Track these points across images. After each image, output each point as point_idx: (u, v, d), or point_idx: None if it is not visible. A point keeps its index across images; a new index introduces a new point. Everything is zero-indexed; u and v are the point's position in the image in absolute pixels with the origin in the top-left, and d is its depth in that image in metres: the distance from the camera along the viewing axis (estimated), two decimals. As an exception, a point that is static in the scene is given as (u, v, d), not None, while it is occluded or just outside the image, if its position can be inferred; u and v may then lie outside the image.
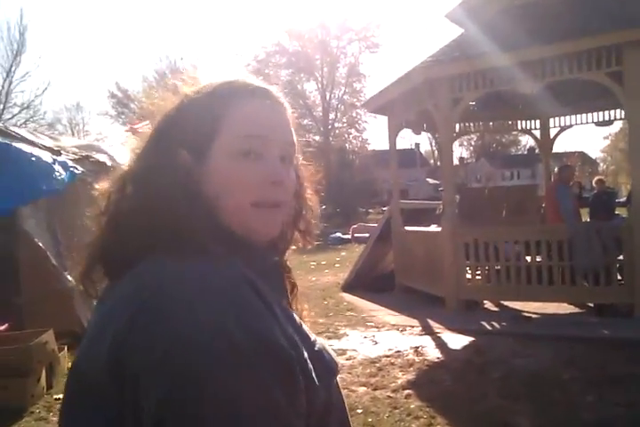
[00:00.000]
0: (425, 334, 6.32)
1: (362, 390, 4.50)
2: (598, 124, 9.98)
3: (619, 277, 6.50)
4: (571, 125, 10.60)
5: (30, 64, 32.81)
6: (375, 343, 5.98)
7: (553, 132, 11.00)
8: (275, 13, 55.62)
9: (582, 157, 47.34)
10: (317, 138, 40.82)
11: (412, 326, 6.73)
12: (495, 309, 7.45)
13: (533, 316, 6.90)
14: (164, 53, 70.91)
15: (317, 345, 0.81)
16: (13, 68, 30.78)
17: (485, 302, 7.65)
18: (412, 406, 4.03)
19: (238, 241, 0.81)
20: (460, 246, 7.24)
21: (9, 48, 30.94)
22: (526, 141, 66.25)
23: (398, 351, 5.58)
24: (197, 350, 0.66)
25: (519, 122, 10.97)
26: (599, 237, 6.38)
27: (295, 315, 0.84)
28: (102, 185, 0.88)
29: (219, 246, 0.77)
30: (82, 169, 6.71)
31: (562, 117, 10.62)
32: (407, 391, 4.37)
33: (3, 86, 30.56)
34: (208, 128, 0.82)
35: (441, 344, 5.85)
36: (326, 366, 0.80)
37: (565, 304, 7.05)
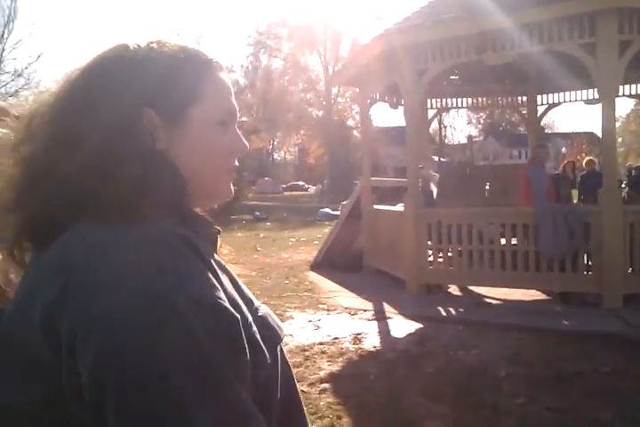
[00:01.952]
0: (374, 320, 5.96)
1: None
2: (588, 102, 9.45)
3: (587, 265, 6.10)
4: (559, 103, 10.09)
5: (23, 32, 32.26)
6: (317, 328, 5.62)
7: (541, 110, 10.52)
8: None
9: (590, 137, 46.24)
10: (320, 113, 40.16)
11: (365, 310, 6.37)
12: (459, 293, 7.07)
13: (495, 302, 6.52)
14: (163, 22, 69.31)
15: (261, 311, 0.79)
16: (5, 36, 30.17)
17: (451, 286, 7.27)
18: (321, 404, 3.67)
19: (186, 208, 0.79)
20: (422, 228, 6.83)
21: (0, 15, 30.27)
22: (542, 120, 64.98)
23: (336, 338, 5.22)
24: (135, 315, 0.63)
25: (506, 98, 10.44)
26: (566, 222, 5.95)
27: (238, 279, 0.81)
28: (9, 140, 0.79)
29: (161, 211, 0.73)
30: None
31: (550, 94, 10.10)
32: (324, 385, 4.01)
33: (-6, 52, 29.98)
34: (186, 92, 0.79)
35: (385, 331, 5.49)
36: (270, 332, 0.78)
37: (534, 291, 6.66)
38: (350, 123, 39.28)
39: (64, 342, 0.64)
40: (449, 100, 10.31)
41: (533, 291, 6.68)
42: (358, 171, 33.16)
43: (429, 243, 6.89)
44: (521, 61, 8.56)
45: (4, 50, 30.21)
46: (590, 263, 6.05)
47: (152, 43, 0.81)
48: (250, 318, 0.73)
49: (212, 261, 0.74)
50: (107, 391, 0.61)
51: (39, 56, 31.90)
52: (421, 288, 6.89)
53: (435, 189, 9.36)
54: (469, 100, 10.39)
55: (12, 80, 30.30)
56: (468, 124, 67.70)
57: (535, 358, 4.59)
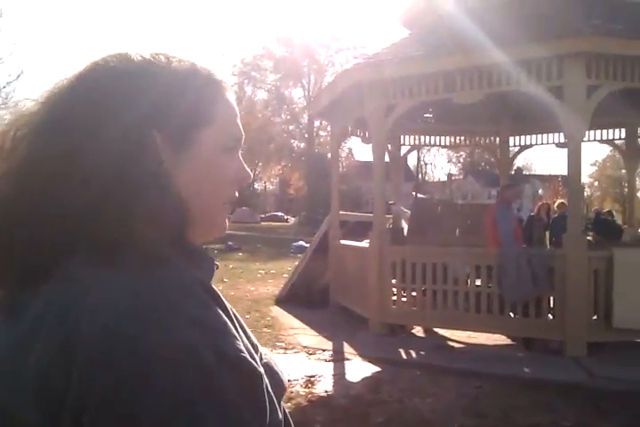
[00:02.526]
0: (332, 361, 5.73)
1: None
2: (558, 145, 9.49)
3: (551, 311, 5.95)
4: (530, 145, 10.15)
5: (4, 51, 31.80)
6: (269, 369, 5.37)
7: (515, 151, 10.55)
8: (264, 18, 54.57)
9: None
10: (301, 145, 40.34)
11: (324, 350, 6.14)
12: (422, 335, 6.87)
13: (458, 346, 6.33)
14: (149, 46, 69.56)
15: (265, 357, 0.72)
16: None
17: (416, 327, 7.07)
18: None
19: (189, 243, 0.71)
20: (386, 265, 6.67)
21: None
22: (514, 162, 65.94)
23: (287, 381, 4.97)
24: (167, 381, 0.56)
25: (480, 138, 10.47)
26: (530, 266, 5.82)
27: (244, 323, 0.72)
28: None
29: (173, 250, 0.64)
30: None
31: (522, 136, 10.16)
32: (264, 434, 3.76)
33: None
34: (196, 114, 0.71)
35: (341, 374, 5.27)
36: (277, 381, 0.71)
37: (498, 335, 6.48)
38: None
39: (67, 413, 0.57)
40: (423, 137, 10.31)
41: (498, 335, 6.51)
42: (340, 205, 33.26)
43: (393, 281, 6.72)
44: (493, 102, 8.63)
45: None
46: (554, 309, 5.91)
47: (158, 55, 0.73)
48: (261, 369, 0.65)
49: (226, 305, 0.67)
50: None
51: (19, 75, 31.53)
52: (384, 328, 6.69)
53: (406, 226, 9.24)
54: (443, 138, 10.39)
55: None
56: (449, 162, 68.49)
57: (491, 408, 4.39)
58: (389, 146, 10.24)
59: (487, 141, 10.52)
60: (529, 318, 5.90)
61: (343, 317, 7.67)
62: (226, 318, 0.64)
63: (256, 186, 58.54)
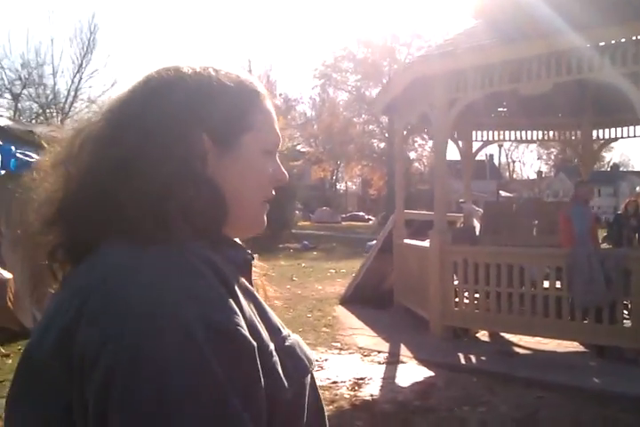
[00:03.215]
0: (385, 363, 5.52)
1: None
2: (645, 137, 8.78)
3: (625, 317, 5.46)
4: (615, 139, 9.43)
5: (100, 62, 33.23)
6: (319, 370, 5.21)
7: (597, 145, 9.87)
8: (345, 19, 54.12)
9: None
10: (382, 145, 39.94)
11: (380, 352, 5.93)
12: (486, 339, 6.50)
13: (524, 352, 5.94)
14: (232, 56, 70.74)
15: (289, 340, 0.77)
16: (83, 66, 31.70)
17: (481, 331, 6.71)
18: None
19: (224, 235, 0.80)
20: (447, 265, 6.37)
21: (80, 46, 31.87)
22: (610, 158, 62.47)
23: (334, 382, 4.81)
24: (148, 344, 0.63)
25: (559, 132, 9.85)
26: (602, 268, 5.36)
27: (267, 308, 0.80)
28: (50, 159, 0.82)
29: (203, 238, 0.74)
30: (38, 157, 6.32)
31: (606, 129, 9.45)
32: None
33: (72, 81, 31.51)
34: (240, 120, 0.81)
35: (391, 378, 5.04)
36: (296, 363, 0.76)
37: (571, 342, 6.01)
38: (412, 155, 38.88)
39: (75, 367, 0.65)
40: (497, 132, 9.81)
41: (570, 342, 6.05)
42: (416, 203, 32.71)
43: (455, 282, 6.40)
44: (572, 92, 8.08)
45: (81, 79, 31.80)
46: (630, 315, 5.41)
47: (207, 68, 0.81)
48: (271, 346, 0.72)
49: (235, 286, 0.73)
50: (112, 421, 0.62)
51: (113, 84, 33.12)
52: (446, 331, 6.39)
53: (478, 225, 8.84)
54: (519, 133, 9.86)
55: (86, 107, 31.76)
56: (539, 159, 65.82)
57: (550, 421, 4.05)
58: (460, 142, 9.87)
59: (567, 136, 9.87)
60: (602, 325, 5.43)
61: (406, 318, 7.41)
62: (228, 296, 0.69)
63: (338, 186, 58.66)
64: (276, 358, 0.72)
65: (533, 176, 64.81)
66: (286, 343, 0.76)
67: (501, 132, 9.85)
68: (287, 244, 18.75)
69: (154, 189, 0.72)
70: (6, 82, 29.60)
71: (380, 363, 5.55)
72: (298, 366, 0.76)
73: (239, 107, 0.81)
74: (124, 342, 0.63)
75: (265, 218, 0.86)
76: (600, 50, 5.30)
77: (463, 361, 5.60)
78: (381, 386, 4.80)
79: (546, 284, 5.86)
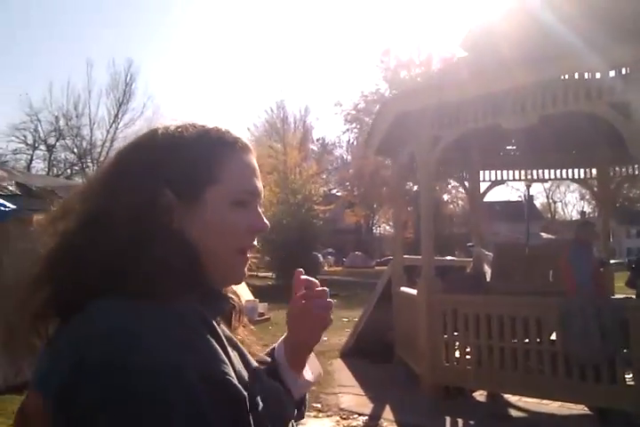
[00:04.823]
0: (360, 429, 4.98)
1: None
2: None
3: (628, 376, 4.82)
4: (634, 175, 8.81)
5: (136, 111, 34.08)
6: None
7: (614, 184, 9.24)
8: (374, 61, 53.99)
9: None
10: (415, 188, 39.59)
11: (360, 415, 5.39)
12: (483, 399, 5.87)
13: (519, 415, 5.31)
14: (270, 103, 72.01)
15: (278, 391, 0.86)
16: (120, 115, 32.69)
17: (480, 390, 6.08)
18: None
19: (205, 284, 0.83)
20: (436, 316, 5.84)
21: (116, 97, 32.95)
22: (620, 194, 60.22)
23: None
24: (149, 395, 0.67)
25: (572, 170, 9.29)
26: (598, 319, 4.77)
27: (247, 354, 0.85)
28: (47, 217, 0.87)
29: (182, 289, 0.77)
30: (14, 206, 6.16)
31: (624, 166, 8.85)
32: None
33: (108, 132, 32.46)
34: (204, 174, 0.84)
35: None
36: (280, 409, 0.84)
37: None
38: (445, 197, 38.29)
39: (79, 416, 0.68)
40: (506, 171, 9.32)
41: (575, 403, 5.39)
42: (453, 247, 31.85)
43: (445, 336, 5.85)
44: (583, 127, 7.60)
45: (117, 129, 32.76)
46: (632, 372, 4.77)
47: (182, 126, 0.87)
48: (258, 397, 0.77)
49: (222, 336, 0.77)
50: None
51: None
52: (437, 389, 5.80)
53: (489, 271, 8.28)
54: (529, 171, 9.35)
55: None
56: (581, 199, 64.15)
57: None
58: (466, 183, 9.42)
59: (583, 174, 9.30)
60: (601, 384, 4.80)
61: (402, 374, 6.82)
62: (217, 347, 0.74)
63: (375, 230, 58.02)
64: (261, 404, 0.77)
65: (577, 217, 63.00)
66: (268, 388, 0.83)
67: (512, 172, 9.36)
68: (309, 290, 18.25)
69: (121, 247, 0.76)
70: (42, 134, 30.66)
71: (355, 428, 5.02)
72: (281, 412, 0.84)
73: (204, 161, 0.83)
74: (124, 403, 0.66)
75: (244, 269, 0.89)
76: (585, 81, 4.88)
77: (448, 426, 5.00)
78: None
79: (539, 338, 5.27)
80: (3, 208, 6.06)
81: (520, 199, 54.69)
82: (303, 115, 46.39)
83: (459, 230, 39.22)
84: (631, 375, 4.77)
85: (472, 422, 5.07)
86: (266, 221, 0.89)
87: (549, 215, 62.57)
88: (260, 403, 0.77)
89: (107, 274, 0.75)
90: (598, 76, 4.94)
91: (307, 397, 1.04)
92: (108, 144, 32.47)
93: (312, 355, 1.03)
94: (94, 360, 0.68)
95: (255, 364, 0.84)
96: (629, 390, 4.71)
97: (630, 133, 4.70)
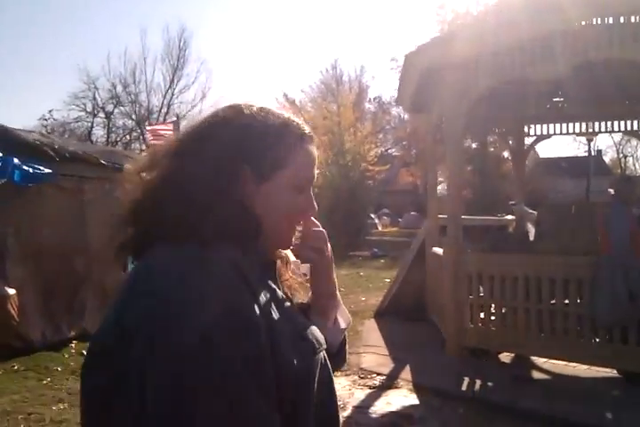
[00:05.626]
0: (375, 388, 4.95)
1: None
2: None
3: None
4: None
5: (190, 76, 33.93)
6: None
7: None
8: (430, 14, 51.43)
9: None
10: (474, 145, 38.45)
11: (379, 374, 5.35)
12: (507, 361, 5.70)
13: (543, 377, 5.14)
14: (329, 63, 70.37)
15: (306, 328, 0.96)
16: (175, 82, 32.93)
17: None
18: None
19: (254, 245, 0.96)
20: (462, 277, 5.66)
21: (170, 64, 33.14)
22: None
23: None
24: (182, 330, 0.78)
25: (624, 122, 8.70)
26: (626, 281, 4.50)
27: (288, 303, 0.98)
28: (135, 167, 1.01)
29: (238, 247, 0.92)
30: (49, 170, 6.29)
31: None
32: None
33: (164, 97, 32.80)
34: (279, 158, 0.98)
35: (366, 407, 4.46)
36: (308, 344, 0.94)
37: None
38: (506, 155, 37.03)
39: (126, 340, 0.81)
40: (553, 125, 8.83)
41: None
42: (500, 205, 30.95)
43: (470, 296, 5.68)
44: (630, 76, 7.06)
45: (172, 95, 33.08)
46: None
47: (262, 110, 1.00)
48: (282, 329, 0.88)
49: (253, 280, 0.89)
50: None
51: (202, 98, 34.22)
52: (461, 351, 5.68)
53: (532, 230, 7.97)
54: (578, 124, 8.81)
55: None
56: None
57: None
58: (510, 139, 9.01)
59: (635, 126, 8.70)
60: (628, 347, 4.56)
61: (432, 334, 6.72)
62: (244, 286, 0.86)
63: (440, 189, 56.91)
64: (283, 335, 0.86)
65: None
66: (302, 330, 0.94)
67: (559, 125, 8.86)
68: (358, 251, 18.23)
69: (196, 207, 0.89)
70: (100, 102, 31.31)
71: (370, 387, 4.98)
72: (308, 347, 0.92)
73: (281, 147, 0.96)
74: (154, 324, 0.80)
75: (292, 239, 1.04)
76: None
77: (464, 388, 4.90)
78: (347, 416, 4.23)
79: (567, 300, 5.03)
80: (39, 171, 6.21)
81: (584, 153, 52.35)
82: (358, 74, 45.25)
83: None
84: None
85: (490, 384, 4.93)
86: (315, 205, 1.04)
87: (619, 171, 59.75)
88: (282, 335, 0.86)
89: (179, 226, 0.88)
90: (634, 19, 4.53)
91: (346, 346, 1.18)
92: (164, 110, 32.86)
93: (342, 306, 1.15)
94: (141, 290, 0.85)
95: (295, 311, 0.98)
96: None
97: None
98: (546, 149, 61.34)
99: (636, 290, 4.44)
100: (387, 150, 42.93)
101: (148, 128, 14.54)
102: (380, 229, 36.85)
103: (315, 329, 0.97)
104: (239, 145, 0.94)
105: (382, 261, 16.62)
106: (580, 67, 5.18)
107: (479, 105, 7.22)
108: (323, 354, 0.96)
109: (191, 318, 0.78)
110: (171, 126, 13.22)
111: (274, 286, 0.96)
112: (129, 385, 0.79)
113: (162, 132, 12.31)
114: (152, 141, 12.76)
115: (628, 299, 4.46)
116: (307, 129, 1.03)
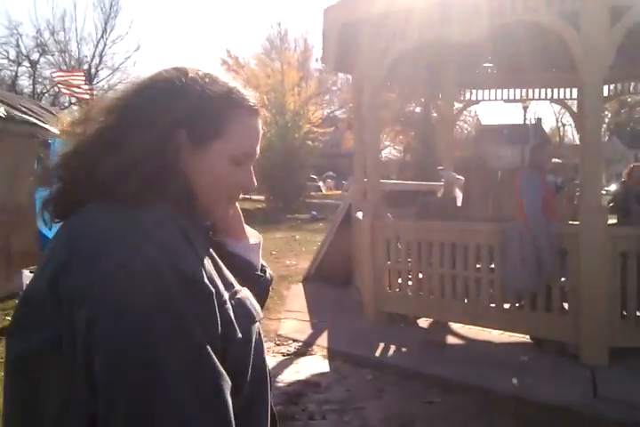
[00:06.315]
0: (288, 355, 4.90)
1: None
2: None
3: (564, 305, 4.63)
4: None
5: (123, 28, 32.09)
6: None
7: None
8: None
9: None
10: (417, 109, 38.51)
11: (295, 341, 5.30)
12: (424, 326, 5.75)
13: (455, 342, 5.20)
14: (274, 20, 68.27)
15: (241, 293, 0.93)
16: (108, 31, 31.46)
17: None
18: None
19: (194, 209, 0.95)
20: (380, 243, 5.62)
21: (102, 12, 31.62)
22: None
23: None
24: (123, 286, 0.77)
25: (552, 90, 8.74)
26: (534, 247, 4.53)
27: (224, 268, 0.94)
28: (71, 119, 1.01)
29: (177, 208, 0.90)
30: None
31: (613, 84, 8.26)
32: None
33: (96, 47, 31.33)
34: (218, 128, 0.95)
35: (276, 374, 4.38)
36: (246, 311, 0.92)
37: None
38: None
39: (65, 303, 0.78)
40: (481, 91, 8.81)
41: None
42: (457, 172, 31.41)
43: (388, 262, 5.66)
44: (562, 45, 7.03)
45: (105, 45, 31.61)
46: (568, 303, 4.58)
47: (207, 75, 0.96)
48: (225, 296, 0.87)
49: (196, 243, 0.88)
50: (95, 355, 0.75)
51: (136, 50, 32.93)
52: (380, 316, 5.69)
53: (459, 196, 7.98)
54: (506, 91, 8.81)
55: (110, 75, 31.63)
56: (591, 122, 62.50)
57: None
58: (440, 103, 8.95)
59: (564, 94, 8.76)
60: (537, 313, 4.63)
61: (357, 299, 6.72)
62: (190, 249, 0.85)
63: (384, 153, 57.10)
64: (229, 305, 0.86)
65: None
66: (238, 296, 0.91)
67: (488, 92, 8.84)
68: (297, 214, 18.16)
69: (125, 166, 0.87)
70: (24, 50, 29.51)
71: (284, 355, 4.93)
72: (247, 314, 0.92)
73: (220, 116, 0.95)
74: (106, 287, 0.76)
75: (228, 211, 1.04)
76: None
77: (377, 353, 4.90)
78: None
79: (478, 265, 5.06)
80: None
81: (528, 122, 53.36)
82: (304, 33, 44.43)
83: (461, 155, 38.55)
84: (567, 305, 4.58)
85: (404, 350, 4.96)
86: (254, 180, 1.01)
87: (557, 139, 61.24)
88: (229, 304, 0.86)
89: (109, 183, 0.86)
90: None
91: (265, 266, 1.13)
92: (96, 60, 31.42)
93: (246, 227, 1.13)
94: (79, 255, 0.80)
95: (230, 275, 0.93)
96: (564, 319, 4.54)
97: (580, 47, 4.23)
98: (491, 117, 62.15)
99: (543, 255, 4.47)
100: (332, 112, 42.62)
101: (55, 75, 13.64)
102: (324, 191, 36.83)
103: (250, 296, 0.95)
104: (176, 107, 0.91)
105: (321, 224, 16.57)
106: (502, 32, 5.10)
107: (407, 66, 7.12)
108: (258, 325, 0.96)
109: (138, 274, 0.77)
110: (81, 75, 12.61)
111: (211, 250, 0.93)
112: (70, 343, 0.77)
113: (74, 82, 11.70)
114: (64, 90, 12.16)
115: (536, 266, 4.49)
116: (252, 102, 0.99)
